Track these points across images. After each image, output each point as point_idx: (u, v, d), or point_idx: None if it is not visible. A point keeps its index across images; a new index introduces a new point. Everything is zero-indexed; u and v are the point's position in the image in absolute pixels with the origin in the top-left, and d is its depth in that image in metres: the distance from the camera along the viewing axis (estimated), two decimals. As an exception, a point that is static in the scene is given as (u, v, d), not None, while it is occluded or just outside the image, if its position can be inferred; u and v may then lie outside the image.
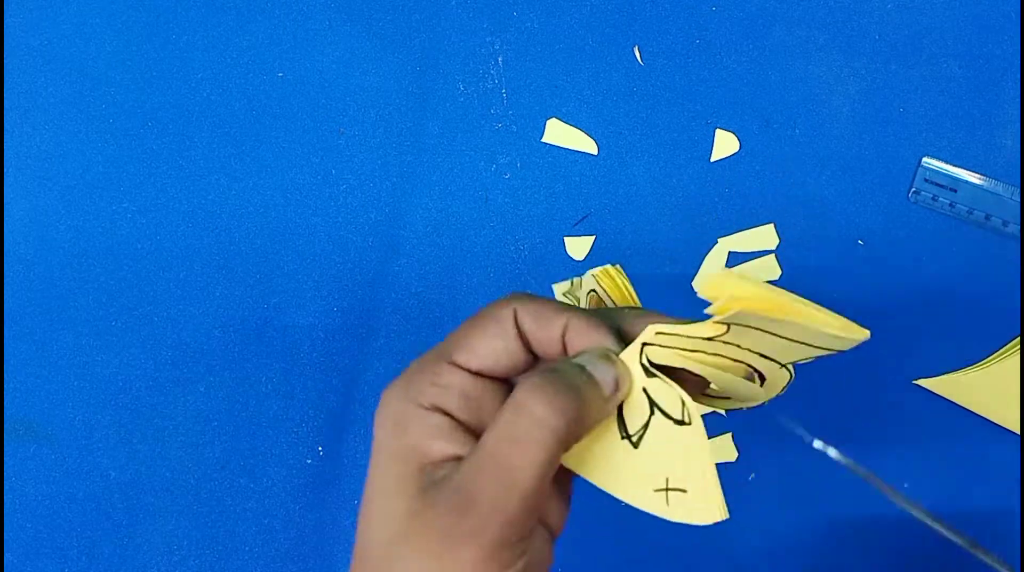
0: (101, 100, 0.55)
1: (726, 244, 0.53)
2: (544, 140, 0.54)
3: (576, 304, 0.34)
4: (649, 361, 0.31)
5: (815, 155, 0.53)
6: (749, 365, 0.32)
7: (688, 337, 0.30)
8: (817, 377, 0.53)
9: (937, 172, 0.52)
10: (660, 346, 0.31)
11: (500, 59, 0.55)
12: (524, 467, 0.28)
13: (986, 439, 0.52)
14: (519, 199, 0.54)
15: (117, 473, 0.54)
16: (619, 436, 0.31)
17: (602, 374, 0.30)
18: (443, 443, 0.30)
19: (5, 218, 0.55)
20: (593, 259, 0.53)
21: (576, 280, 0.36)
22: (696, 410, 0.30)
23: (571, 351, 0.32)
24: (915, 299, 0.52)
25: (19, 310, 0.55)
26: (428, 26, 0.55)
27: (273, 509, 0.53)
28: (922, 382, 0.52)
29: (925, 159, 0.53)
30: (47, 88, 0.56)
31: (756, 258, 0.53)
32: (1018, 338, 0.51)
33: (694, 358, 0.31)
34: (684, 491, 0.30)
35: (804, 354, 0.32)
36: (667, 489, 0.30)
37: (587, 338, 0.32)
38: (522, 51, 0.55)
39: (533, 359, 0.33)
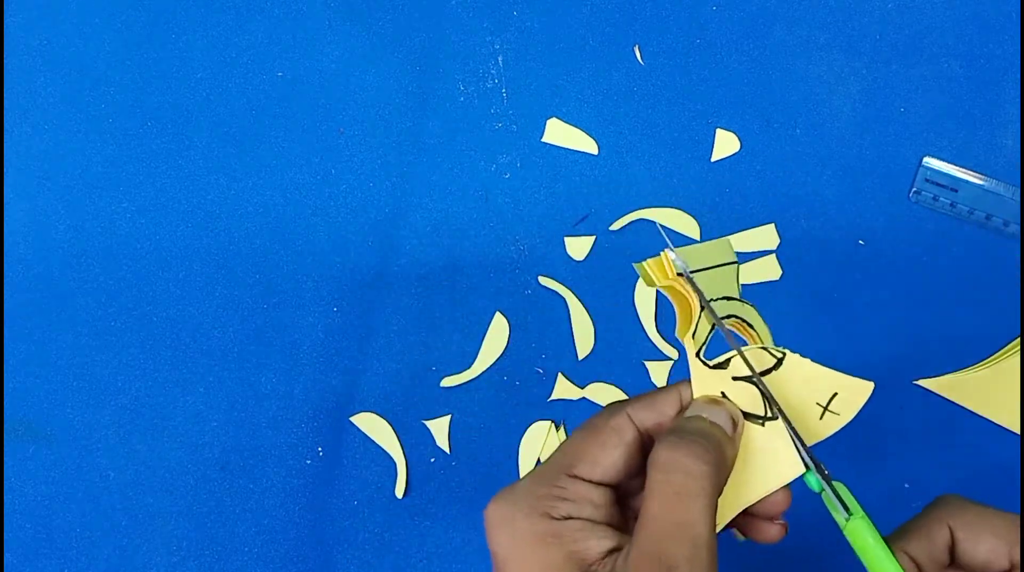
0: (101, 100, 0.55)
1: (726, 244, 0.53)
2: (544, 140, 0.54)
3: (684, 275, 0.36)
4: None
5: (816, 155, 0.53)
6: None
7: (699, 318, 0.34)
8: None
9: (938, 172, 0.52)
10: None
11: (500, 59, 0.55)
12: (699, 520, 0.29)
13: (986, 439, 0.52)
14: (519, 199, 0.54)
15: (117, 473, 0.54)
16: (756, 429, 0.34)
17: (718, 417, 0.32)
18: (595, 541, 0.31)
19: (5, 218, 0.55)
20: (593, 259, 0.53)
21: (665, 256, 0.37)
22: (777, 406, 0.33)
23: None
24: (915, 299, 0.52)
25: (19, 310, 0.55)
26: (428, 26, 0.55)
27: (273, 509, 0.53)
28: (922, 382, 0.52)
29: (926, 159, 0.53)
30: (47, 88, 0.56)
31: (757, 258, 0.53)
32: (1018, 338, 0.51)
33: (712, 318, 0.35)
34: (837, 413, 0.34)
35: (729, 276, 0.36)
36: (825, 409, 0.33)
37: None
38: (522, 51, 0.55)
39: (644, 456, 0.34)
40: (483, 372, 0.53)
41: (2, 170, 0.55)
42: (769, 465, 0.33)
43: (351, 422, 0.53)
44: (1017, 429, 0.52)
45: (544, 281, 0.54)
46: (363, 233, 0.54)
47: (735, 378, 0.34)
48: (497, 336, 0.53)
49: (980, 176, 0.52)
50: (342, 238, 0.54)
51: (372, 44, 0.55)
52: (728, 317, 0.36)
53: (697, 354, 0.34)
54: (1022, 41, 0.52)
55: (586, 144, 0.54)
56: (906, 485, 0.52)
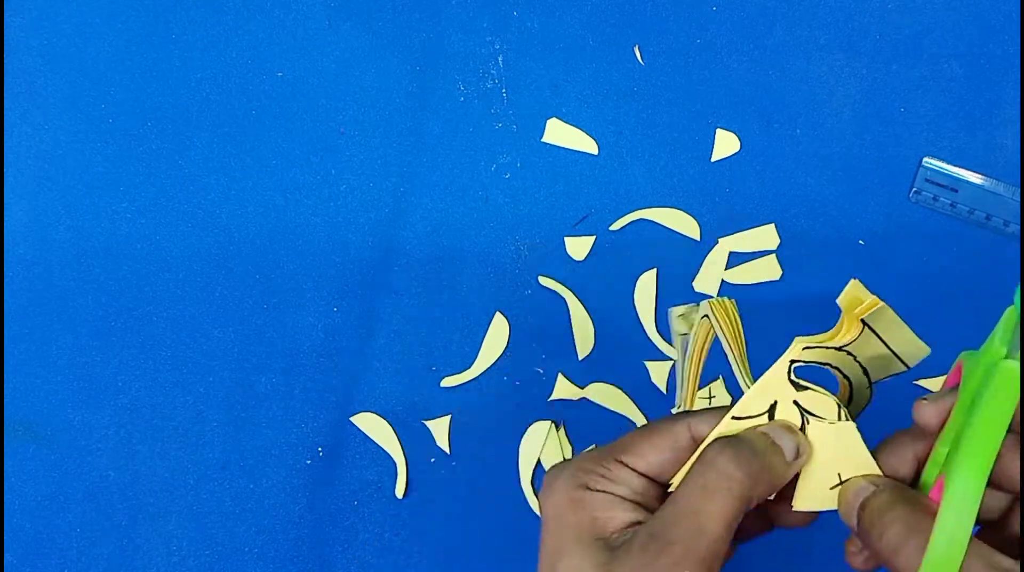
0: (101, 100, 0.55)
1: (727, 244, 0.53)
2: (544, 140, 0.54)
3: (689, 329, 0.37)
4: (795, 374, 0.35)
5: (816, 155, 0.53)
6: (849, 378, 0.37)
7: (827, 348, 0.35)
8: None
9: (938, 172, 0.52)
10: (804, 361, 0.35)
11: (500, 59, 0.55)
12: (713, 514, 0.31)
13: (987, 439, 0.52)
14: (519, 199, 0.54)
15: (117, 473, 0.54)
16: None
17: (785, 442, 0.34)
18: (620, 512, 0.33)
19: (5, 218, 0.55)
20: (593, 259, 0.53)
21: (693, 305, 0.39)
22: (846, 410, 0.35)
23: None
24: (915, 299, 0.52)
25: (19, 310, 0.55)
26: (428, 26, 0.55)
27: (273, 509, 0.53)
28: (922, 382, 0.52)
29: (926, 159, 0.53)
30: (47, 88, 0.56)
31: (757, 258, 0.53)
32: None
33: (835, 358, 0.35)
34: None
35: (891, 370, 0.37)
36: (840, 483, 0.34)
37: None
38: (522, 51, 0.55)
39: None
40: (483, 372, 0.53)
41: (2, 170, 0.55)
42: (838, 465, 0.34)
43: (351, 422, 0.53)
44: (1017, 429, 0.52)
45: (544, 281, 0.54)
46: (363, 233, 0.54)
47: (796, 403, 0.35)
48: (497, 336, 0.53)
49: (980, 176, 0.52)
50: (342, 238, 0.54)
51: (372, 44, 0.55)
52: (844, 376, 0.37)
53: (791, 361, 0.35)
54: (1022, 41, 0.52)
55: (586, 144, 0.54)
56: (906, 485, 0.52)
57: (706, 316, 0.37)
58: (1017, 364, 0.32)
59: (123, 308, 0.55)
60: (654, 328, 0.53)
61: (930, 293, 0.52)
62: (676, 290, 0.53)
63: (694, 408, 0.37)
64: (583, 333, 0.53)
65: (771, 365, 0.34)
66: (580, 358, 0.53)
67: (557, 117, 0.54)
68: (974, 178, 0.52)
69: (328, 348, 0.54)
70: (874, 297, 0.35)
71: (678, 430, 0.34)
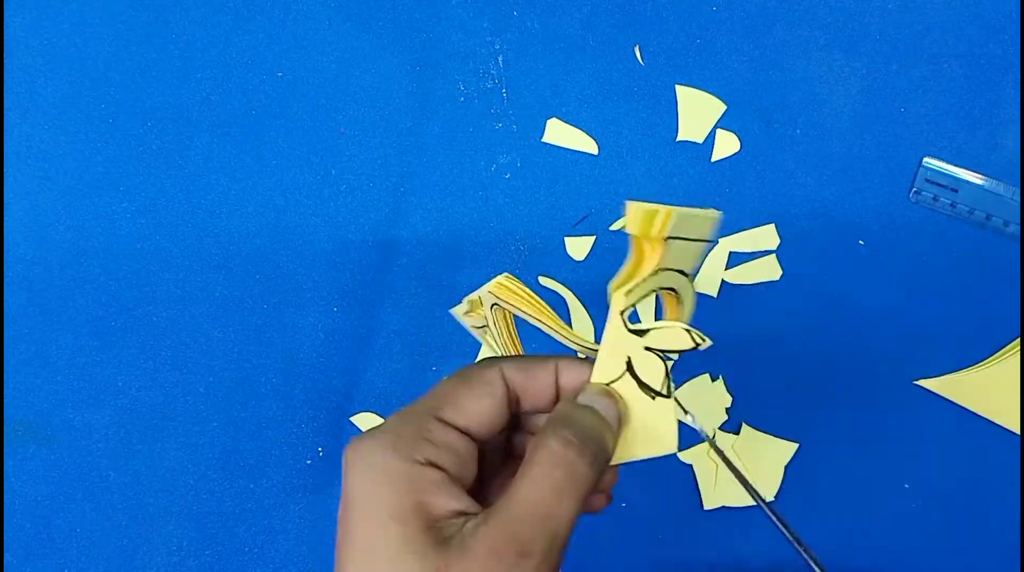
0: (101, 100, 0.55)
1: (727, 244, 0.53)
2: (544, 140, 0.54)
3: (484, 323, 0.36)
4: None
5: (816, 155, 0.53)
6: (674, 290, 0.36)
7: (646, 278, 0.34)
8: (819, 377, 0.53)
9: (938, 172, 0.52)
10: (633, 304, 0.34)
11: (500, 59, 0.55)
12: (565, 516, 0.30)
13: (986, 439, 0.52)
14: (519, 199, 0.54)
15: (117, 473, 0.54)
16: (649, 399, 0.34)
17: (608, 411, 0.33)
18: (446, 499, 0.30)
19: (5, 218, 0.55)
20: (593, 259, 0.53)
21: (473, 298, 0.37)
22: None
23: (564, 393, 0.34)
24: (915, 299, 0.52)
25: (19, 310, 0.55)
26: (428, 26, 0.55)
27: (273, 509, 0.53)
28: (922, 382, 0.52)
29: (926, 159, 0.53)
30: (47, 88, 0.56)
31: (757, 258, 0.53)
32: (1018, 339, 0.51)
33: (656, 282, 0.34)
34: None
35: (700, 254, 0.36)
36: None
37: (581, 374, 0.34)
38: (522, 51, 0.55)
39: (510, 418, 0.34)
40: (483, 372, 0.53)
41: (2, 170, 0.55)
42: (647, 435, 0.33)
43: (351, 422, 0.53)
44: (1017, 429, 0.52)
45: (544, 281, 0.54)
46: (363, 233, 0.54)
47: (648, 349, 0.34)
48: (497, 336, 0.53)
49: (980, 176, 0.52)
50: (342, 238, 0.54)
51: (372, 44, 0.55)
52: (667, 289, 0.35)
53: (622, 313, 0.34)
54: (1022, 41, 0.52)
55: (586, 144, 0.54)
56: (906, 485, 0.52)
57: (495, 304, 0.36)
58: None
59: (123, 308, 0.55)
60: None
61: (930, 293, 0.52)
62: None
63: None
64: (583, 333, 0.53)
65: (609, 326, 0.34)
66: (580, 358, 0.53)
67: (557, 117, 0.54)
68: (974, 178, 0.52)
69: (328, 348, 0.54)
70: (661, 207, 0.33)
71: (492, 377, 0.33)
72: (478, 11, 0.55)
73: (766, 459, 0.53)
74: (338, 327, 0.54)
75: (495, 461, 0.35)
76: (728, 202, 0.53)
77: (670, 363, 0.34)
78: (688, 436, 0.41)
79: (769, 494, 0.53)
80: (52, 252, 0.55)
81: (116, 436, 0.54)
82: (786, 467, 0.53)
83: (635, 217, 0.32)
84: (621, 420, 0.33)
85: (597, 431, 0.32)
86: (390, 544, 0.29)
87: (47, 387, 0.54)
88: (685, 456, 0.53)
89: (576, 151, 0.54)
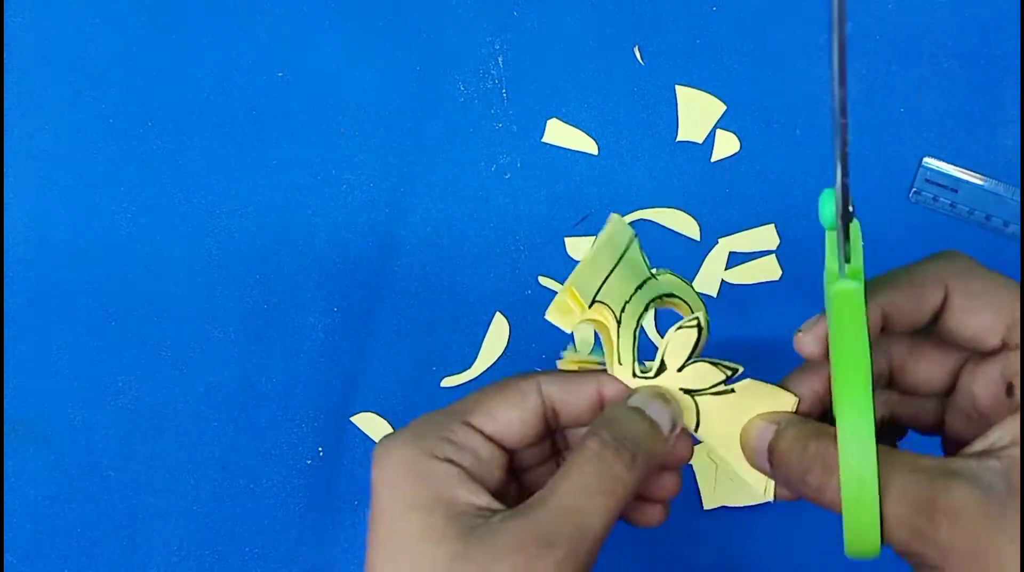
0: (101, 100, 0.55)
1: (726, 244, 0.53)
2: (544, 140, 0.54)
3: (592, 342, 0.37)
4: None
5: (815, 155, 0.53)
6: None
7: (619, 336, 0.34)
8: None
9: (938, 172, 0.52)
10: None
11: (500, 59, 0.55)
12: (598, 514, 0.29)
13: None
14: (519, 199, 0.54)
15: (117, 473, 0.54)
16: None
17: (659, 415, 0.32)
18: (465, 493, 0.30)
19: (5, 218, 0.55)
20: (593, 259, 0.53)
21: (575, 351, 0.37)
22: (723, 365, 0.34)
23: (607, 404, 0.34)
24: (915, 299, 0.52)
25: (19, 310, 0.55)
26: (428, 26, 0.55)
27: (273, 509, 0.53)
28: (922, 382, 0.52)
29: (926, 159, 0.53)
30: (47, 88, 0.56)
31: (756, 258, 0.53)
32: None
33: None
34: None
35: (635, 256, 0.36)
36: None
37: (624, 391, 0.33)
38: (522, 51, 0.55)
39: (546, 433, 0.34)
40: (483, 372, 0.53)
41: (2, 170, 0.55)
42: (734, 484, 0.34)
43: (351, 422, 0.53)
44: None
45: (544, 281, 0.54)
46: (363, 233, 0.54)
47: (683, 390, 0.34)
48: (497, 336, 0.53)
49: (980, 176, 0.52)
50: (342, 238, 0.54)
51: (372, 44, 0.55)
52: (658, 298, 0.35)
53: (634, 376, 0.34)
54: (1022, 41, 0.52)
55: (586, 144, 0.54)
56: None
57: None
58: (849, 283, 0.30)
59: (123, 308, 0.54)
60: (654, 328, 0.53)
61: (930, 293, 0.52)
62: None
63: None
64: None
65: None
66: (580, 358, 0.53)
67: (557, 117, 0.54)
68: (974, 178, 0.52)
69: (328, 348, 0.54)
70: (561, 289, 0.32)
71: (527, 388, 0.33)
72: (478, 11, 0.55)
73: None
74: (338, 327, 0.54)
75: (544, 479, 0.35)
76: (728, 202, 0.53)
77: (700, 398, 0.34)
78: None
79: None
80: (52, 252, 0.55)
81: (116, 436, 0.54)
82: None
83: (560, 318, 0.32)
84: (676, 423, 0.33)
85: (639, 433, 0.31)
86: (411, 532, 0.29)
87: (47, 387, 0.54)
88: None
89: (576, 151, 0.54)
